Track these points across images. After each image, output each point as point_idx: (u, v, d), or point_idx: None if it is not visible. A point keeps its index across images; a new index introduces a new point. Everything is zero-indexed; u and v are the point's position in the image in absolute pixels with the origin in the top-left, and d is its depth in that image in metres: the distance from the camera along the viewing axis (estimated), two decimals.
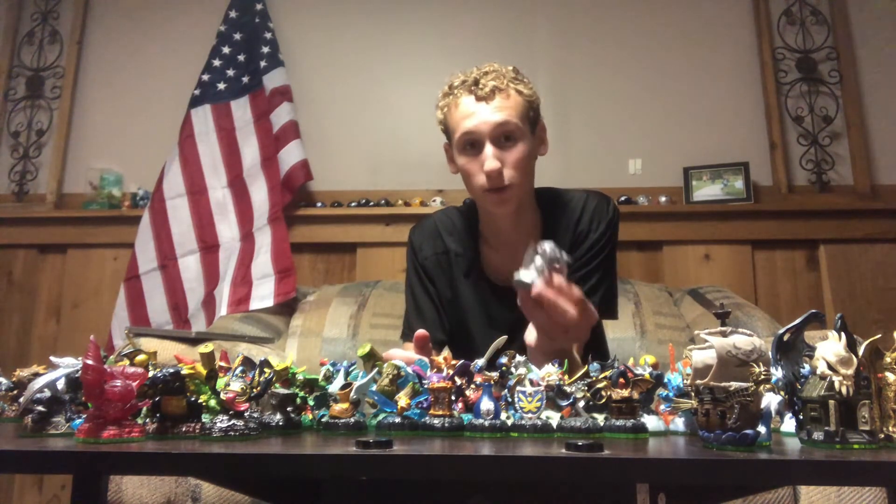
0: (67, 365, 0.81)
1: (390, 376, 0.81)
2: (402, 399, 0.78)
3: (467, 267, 1.42)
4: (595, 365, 0.82)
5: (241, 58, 2.75)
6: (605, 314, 1.36)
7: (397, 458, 0.58)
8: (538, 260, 1.04)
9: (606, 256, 1.35)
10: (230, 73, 2.73)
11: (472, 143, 1.28)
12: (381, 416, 0.79)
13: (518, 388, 0.77)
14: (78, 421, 0.74)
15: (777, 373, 0.68)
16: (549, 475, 0.60)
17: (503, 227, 1.37)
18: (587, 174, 2.60)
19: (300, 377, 0.87)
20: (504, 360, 0.83)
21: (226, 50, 2.75)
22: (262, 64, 2.69)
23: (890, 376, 0.65)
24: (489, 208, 1.34)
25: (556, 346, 1.09)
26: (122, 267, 2.60)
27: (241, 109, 2.69)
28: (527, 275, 1.04)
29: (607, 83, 2.75)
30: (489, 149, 1.26)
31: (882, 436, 0.64)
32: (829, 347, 0.66)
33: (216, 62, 2.74)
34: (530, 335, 1.12)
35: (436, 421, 0.75)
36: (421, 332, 1.06)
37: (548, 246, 1.04)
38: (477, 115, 1.26)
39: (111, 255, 2.69)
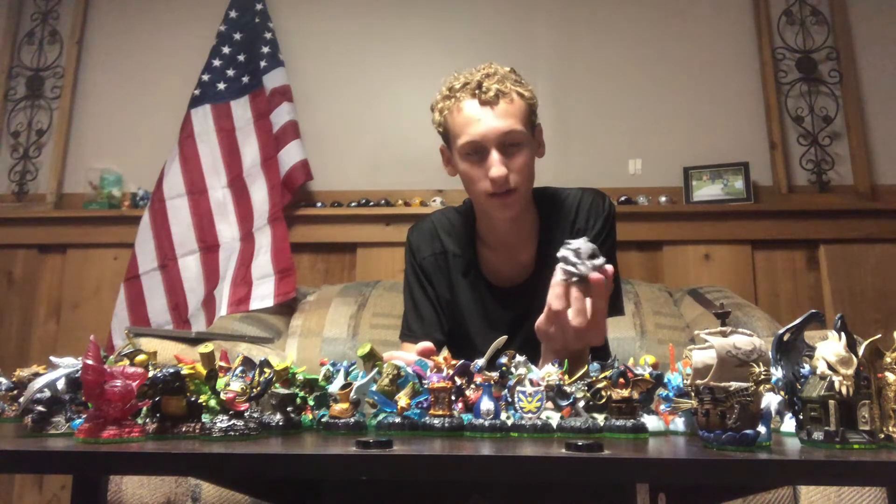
0: (67, 365, 0.81)
1: (390, 376, 0.81)
2: (402, 399, 0.78)
3: (465, 267, 1.42)
4: (595, 365, 0.82)
5: (241, 58, 2.74)
6: (612, 311, 1.36)
7: (397, 458, 0.58)
8: (576, 256, 1.05)
9: (606, 253, 1.35)
10: (230, 73, 2.73)
11: (476, 150, 1.27)
12: (381, 416, 0.79)
13: (518, 388, 0.77)
14: (78, 421, 0.74)
15: (777, 373, 0.68)
16: (549, 475, 0.60)
17: (501, 229, 1.37)
18: (587, 174, 2.60)
19: (300, 377, 0.87)
20: (504, 360, 0.83)
21: (226, 50, 2.75)
22: (262, 64, 2.69)
23: (890, 376, 0.65)
24: (493, 213, 1.33)
25: (572, 348, 1.07)
26: (122, 267, 2.60)
27: (241, 109, 2.69)
28: (579, 267, 1.04)
29: (607, 83, 2.74)
30: (495, 155, 1.25)
31: (882, 436, 0.64)
32: (829, 347, 0.66)
33: (216, 62, 2.74)
34: (545, 335, 1.10)
35: (436, 421, 0.75)
36: (426, 345, 1.03)
37: (579, 244, 1.04)
38: (483, 121, 1.25)
39: (111, 255, 2.69)
